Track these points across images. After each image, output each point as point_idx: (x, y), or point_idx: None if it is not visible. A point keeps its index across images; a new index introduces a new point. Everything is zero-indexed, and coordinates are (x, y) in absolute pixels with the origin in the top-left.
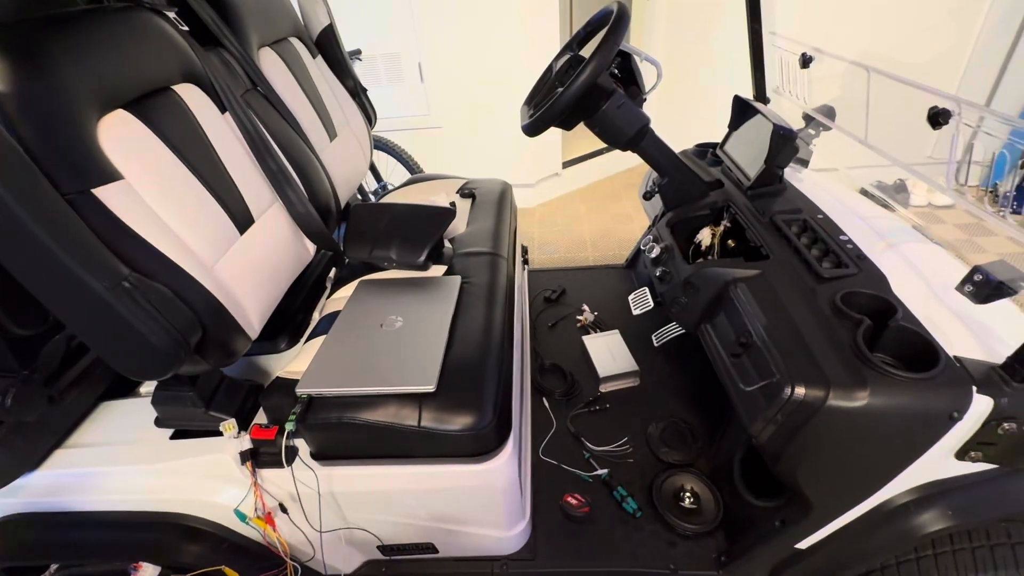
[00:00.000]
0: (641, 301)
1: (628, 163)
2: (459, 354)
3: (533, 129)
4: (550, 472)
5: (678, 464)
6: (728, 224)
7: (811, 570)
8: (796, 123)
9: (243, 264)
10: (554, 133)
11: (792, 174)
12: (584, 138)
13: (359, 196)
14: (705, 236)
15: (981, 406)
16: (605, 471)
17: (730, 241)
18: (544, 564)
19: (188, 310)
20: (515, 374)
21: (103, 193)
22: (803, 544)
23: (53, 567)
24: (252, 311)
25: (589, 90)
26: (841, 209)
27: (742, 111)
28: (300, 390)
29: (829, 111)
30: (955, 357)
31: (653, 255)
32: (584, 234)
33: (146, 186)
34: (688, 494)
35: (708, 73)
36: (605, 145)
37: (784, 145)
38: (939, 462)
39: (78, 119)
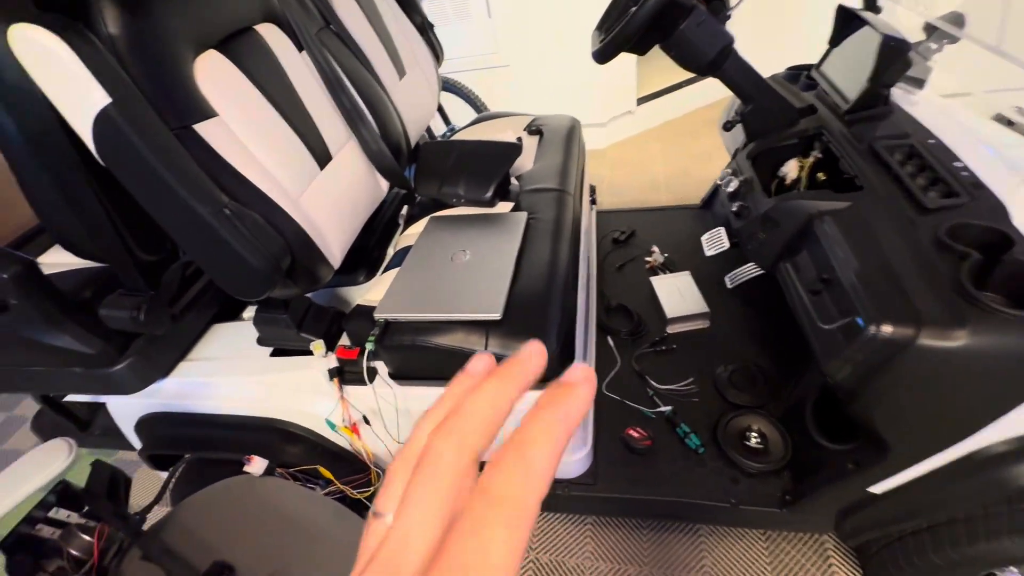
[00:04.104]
0: (715, 241)
1: (708, 98)
2: (524, 286)
3: (603, 55)
4: (613, 407)
5: (746, 405)
6: (819, 155)
7: (883, 514)
8: (916, 37)
9: (324, 198)
10: (628, 66)
11: (903, 96)
12: (660, 71)
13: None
14: (791, 168)
15: None
16: (668, 408)
17: (820, 174)
18: (604, 489)
19: (279, 237)
20: (580, 312)
21: (202, 129)
22: (877, 488)
23: (186, 457)
24: (333, 242)
25: (666, 7)
26: (961, 134)
27: (846, 24)
28: (378, 314)
29: (957, 18)
30: None
31: (730, 189)
32: (658, 175)
33: (237, 122)
34: (755, 434)
35: None
36: (683, 79)
37: (894, 59)
38: None
39: (179, 59)
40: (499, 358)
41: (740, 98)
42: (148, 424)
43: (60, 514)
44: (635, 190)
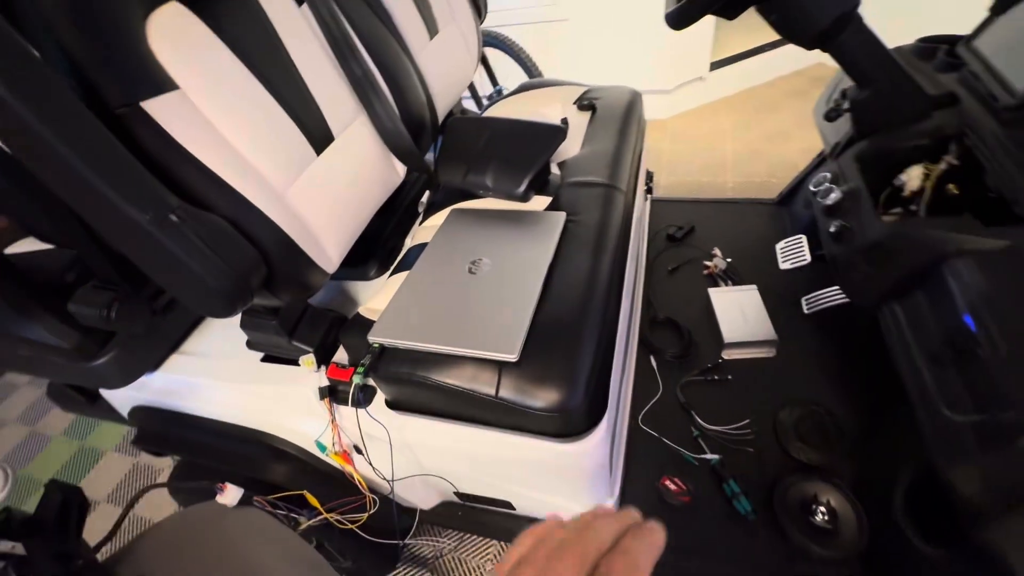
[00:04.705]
0: (793, 252)
1: (794, 64)
2: (552, 313)
3: (680, 18)
4: (648, 444)
5: (813, 466)
6: (954, 161)
7: None
8: None
9: (319, 190)
10: (705, 24)
11: None
12: (742, 31)
13: (471, 99)
14: (913, 177)
15: None
16: (716, 457)
17: (951, 186)
18: None
19: (250, 247)
20: (621, 327)
21: (154, 106)
22: None
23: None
24: (329, 243)
25: None
26: None
27: None
28: (372, 338)
29: None
30: None
31: (829, 201)
32: (726, 153)
33: (203, 97)
34: (823, 508)
35: None
36: (767, 41)
37: None
38: None
39: (125, 13)
40: (511, 407)
41: (855, 79)
42: (140, 416)
43: (4, 545)
44: (697, 170)
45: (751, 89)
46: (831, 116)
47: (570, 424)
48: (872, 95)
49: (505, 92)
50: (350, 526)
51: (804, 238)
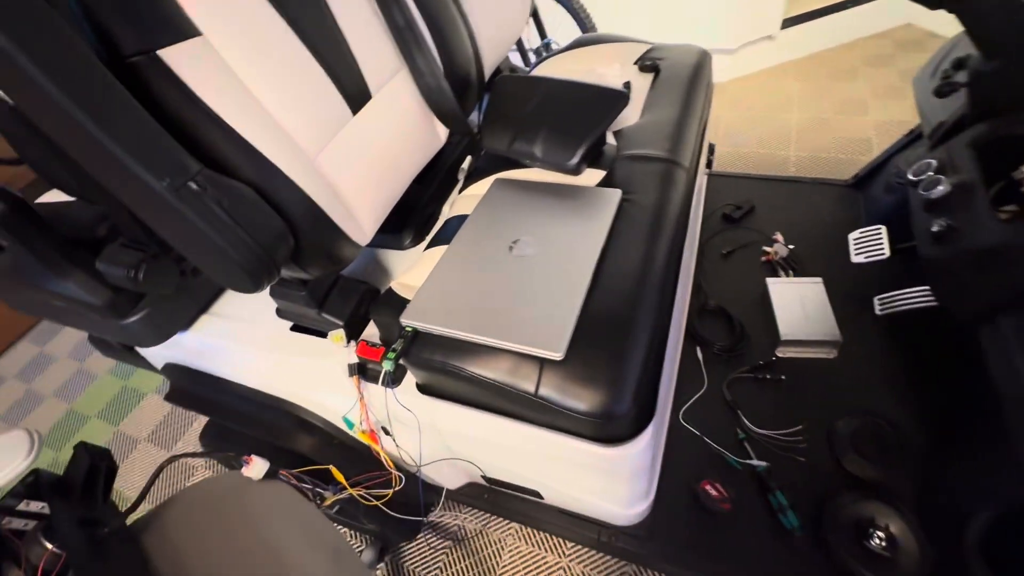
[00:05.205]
0: (870, 244)
1: (878, 24)
2: (602, 306)
3: None
4: (689, 442)
5: (870, 483)
6: None
7: None
8: None
9: (354, 155)
10: None
11: None
12: None
13: (517, 53)
14: None
15: None
16: (763, 464)
17: None
18: (658, 551)
19: (276, 217)
20: (673, 319)
21: (173, 56)
22: None
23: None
24: (362, 214)
25: None
26: None
27: None
28: (405, 320)
29: None
30: None
31: (934, 195)
32: (790, 124)
33: (230, 46)
34: (880, 533)
35: None
36: None
37: None
38: None
39: None
40: (552, 407)
41: (981, 47)
42: (172, 373)
43: (33, 506)
44: (756, 141)
45: (825, 52)
46: (943, 91)
47: (614, 430)
48: (1001, 67)
49: (554, 46)
50: (375, 502)
51: (884, 229)
